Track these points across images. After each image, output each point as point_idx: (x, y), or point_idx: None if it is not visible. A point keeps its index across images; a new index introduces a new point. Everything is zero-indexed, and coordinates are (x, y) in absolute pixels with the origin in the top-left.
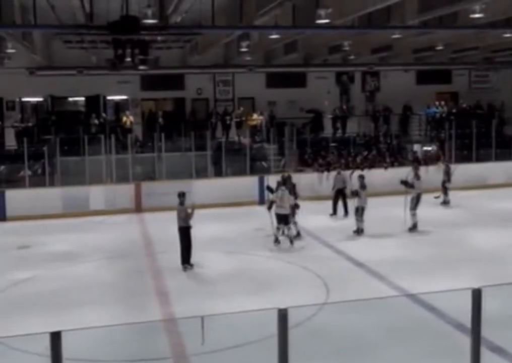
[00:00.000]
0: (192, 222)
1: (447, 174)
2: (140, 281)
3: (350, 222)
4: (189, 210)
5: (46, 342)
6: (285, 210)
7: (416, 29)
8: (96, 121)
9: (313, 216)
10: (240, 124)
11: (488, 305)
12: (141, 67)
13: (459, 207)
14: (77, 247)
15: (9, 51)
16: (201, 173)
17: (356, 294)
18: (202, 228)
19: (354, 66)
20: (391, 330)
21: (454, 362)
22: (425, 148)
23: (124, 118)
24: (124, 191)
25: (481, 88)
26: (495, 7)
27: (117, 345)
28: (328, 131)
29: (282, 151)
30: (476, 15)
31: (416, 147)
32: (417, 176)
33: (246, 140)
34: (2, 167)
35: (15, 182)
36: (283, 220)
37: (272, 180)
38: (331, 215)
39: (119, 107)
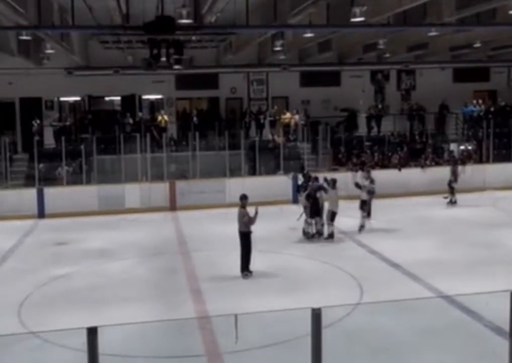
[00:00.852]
0: (226, 221)
1: (454, 173)
2: (174, 278)
3: (383, 222)
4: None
5: (83, 337)
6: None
7: (452, 26)
8: (131, 120)
9: (347, 215)
10: (273, 123)
11: None
12: (176, 66)
13: (496, 208)
14: (113, 244)
15: (48, 51)
16: (235, 172)
17: (390, 295)
18: (235, 227)
19: (389, 65)
20: (426, 332)
21: None
22: (462, 147)
23: (159, 117)
24: (159, 190)
25: None
26: None
27: (151, 341)
28: (362, 130)
29: (316, 150)
30: None
31: (452, 146)
32: (370, 179)
33: (279, 139)
34: (41, 165)
35: (53, 180)
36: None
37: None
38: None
39: (154, 106)
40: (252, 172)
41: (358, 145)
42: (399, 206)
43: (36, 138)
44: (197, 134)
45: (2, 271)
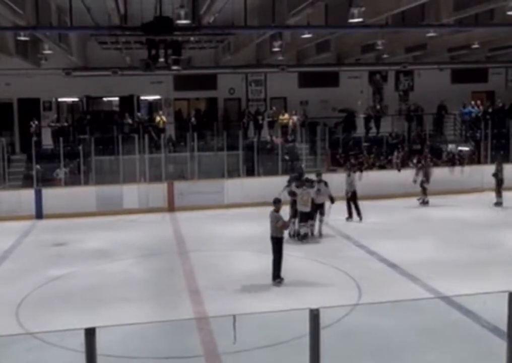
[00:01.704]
0: (225, 221)
1: (426, 174)
2: (172, 279)
3: (382, 222)
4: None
5: (81, 338)
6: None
7: (451, 27)
8: (130, 121)
9: (345, 216)
10: (272, 123)
11: None
12: (174, 67)
13: (494, 209)
14: (111, 245)
15: (46, 52)
16: (233, 173)
17: (388, 295)
18: (234, 228)
19: (387, 65)
20: (425, 333)
21: None
22: (460, 148)
23: (157, 118)
24: (157, 190)
25: None
26: None
27: (149, 342)
28: (360, 130)
29: (314, 151)
30: None
31: (450, 147)
32: (324, 182)
33: (278, 140)
34: (39, 166)
35: (51, 180)
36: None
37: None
38: (347, 218)
39: (152, 107)
40: (251, 172)
41: (356, 146)
42: (398, 207)
43: (34, 139)
44: (195, 134)
45: (0, 272)
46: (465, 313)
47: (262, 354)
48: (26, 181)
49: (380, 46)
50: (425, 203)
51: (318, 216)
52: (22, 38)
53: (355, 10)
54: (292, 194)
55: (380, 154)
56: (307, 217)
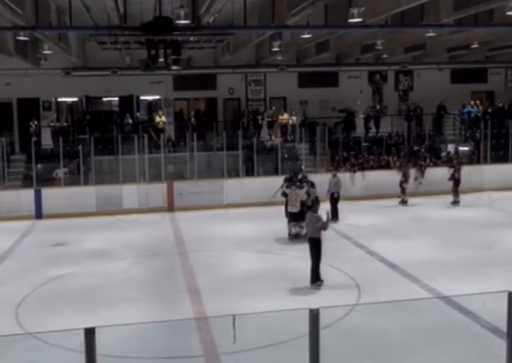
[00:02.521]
0: (224, 221)
1: (405, 174)
2: (172, 279)
3: (381, 222)
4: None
5: (81, 337)
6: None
7: (450, 27)
8: (130, 121)
9: (345, 216)
10: (271, 123)
11: None
12: (174, 67)
13: (493, 209)
14: (111, 245)
15: (46, 52)
16: (232, 173)
17: (388, 295)
18: (233, 227)
19: (386, 65)
20: (424, 333)
21: None
22: (460, 148)
23: (157, 118)
24: (157, 190)
25: None
26: None
27: (149, 342)
28: (360, 130)
29: (314, 151)
30: None
31: (450, 147)
32: (310, 183)
33: (277, 140)
34: (39, 165)
35: (51, 180)
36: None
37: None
38: (333, 220)
39: (152, 107)
40: (250, 172)
41: (355, 146)
42: (397, 207)
43: (34, 139)
44: (195, 134)
45: (0, 272)
46: (465, 313)
47: (262, 354)
48: (26, 181)
49: (379, 46)
50: (403, 202)
51: None
52: (22, 38)
53: (355, 10)
54: (284, 195)
55: (380, 154)
56: (296, 217)
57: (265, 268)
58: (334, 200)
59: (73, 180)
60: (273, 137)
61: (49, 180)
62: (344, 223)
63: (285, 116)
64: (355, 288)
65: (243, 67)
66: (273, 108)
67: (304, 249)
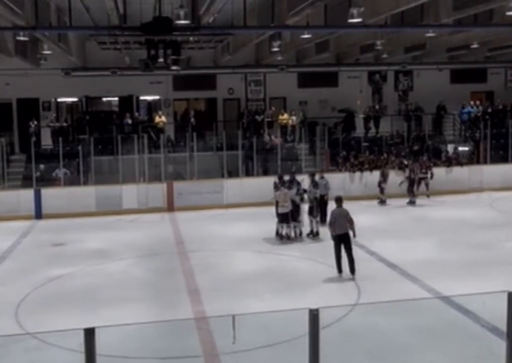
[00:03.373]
0: (224, 221)
1: (383, 175)
2: (172, 279)
3: (381, 222)
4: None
5: (80, 338)
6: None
7: (450, 27)
8: (129, 121)
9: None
10: (271, 124)
11: None
12: (174, 67)
13: (493, 209)
14: (110, 245)
15: (46, 52)
16: (232, 173)
17: (388, 295)
18: (233, 228)
19: (386, 65)
20: (424, 333)
21: None
22: (460, 148)
23: (157, 118)
24: (156, 190)
25: None
26: None
27: (149, 342)
28: (360, 130)
29: (313, 151)
30: None
31: (450, 147)
32: (314, 183)
33: (277, 140)
34: (39, 166)
35: (51, 180)
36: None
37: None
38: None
39: (152, 107)
40: (250, 173)
41: (355, 146)
42: (397, 207)
43: (33, 139)
44: (194, 134)
45: (0, 272)
46: (464, 313)
47: (262, 354)
48: (26, 181)
49: (379, 46)
50: (382, 202)
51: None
52: (22, 38)
53: (354, 10)
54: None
55: (380, 154)
56: (285, 218)
57: (265, 269)
58: (323, 203)
59: (73, 180)
60: (273, 137)
61: (48, 180)
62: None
63: (285, 116)
64: (355, 288)
65: (242, 67)
66: (273, 108)
67: (303, 249)
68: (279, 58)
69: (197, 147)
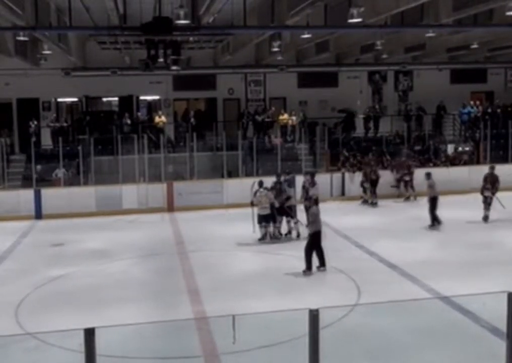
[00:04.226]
0: (224, 222)
1: (365, 175)
2: (172, 279)
3: (381, 222)
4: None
5: (80, 338)
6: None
7: (450, 27)
8: (128, 121)
9: (344, 216)
10: (271, 124)
11: None
12: (174, 67)
13: (493, 209)
14: (110, 245)
15: (46, 52)
16: (232, 173)
17: (388, 295)
18: (233, 228)
19: (386, 65)
20: (424, 333)
21: None
22: (460, 148)
23: (157, 118)
24: (157, 191)
25: None
26: None
27: (149, 342)
28: (360, 131)
29: (313, 151)
30: None
31: (449, 147)
32: (312, 183)
33: (277, 140)
34: (38, 166)
35: (50, 181)
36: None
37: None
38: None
39: (152, 107)
40: (250, 173)
41: (355, 146)
42: (397, 207)
43: (33, 139)
44: (194, 135)
45: (0, 272)
46: (464, 313)
47: (262, 354)
48: (26, 181)
49: (379, 46)
50: (365, 202)
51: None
52: (22, 38)
53: (354, 11)
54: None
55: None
56: (263, 219)
57: (265, 269)
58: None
59: (72, 180)
60: (273, 138)
61: (48, 181)
62: (343, 223)
63: (285, 116)
64: (354, 288)
65: (242, 67)
66: (273, 108)
67: (302, 249)
68: (279, 58)
69: (197, 148)
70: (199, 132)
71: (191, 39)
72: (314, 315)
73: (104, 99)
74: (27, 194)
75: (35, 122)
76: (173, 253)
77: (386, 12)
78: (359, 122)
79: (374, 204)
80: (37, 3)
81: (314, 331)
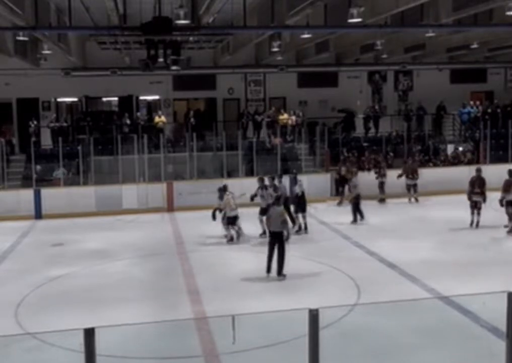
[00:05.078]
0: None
1: (350, 173)
2: (171, 279)
3: (381, 222)
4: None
5: (80, 338)
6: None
7: (450, 27)
8: (128, 121)
9: (344, 216)
10: (271, 124)
11: None
12: (174, 67)
13: (492, 209)
14: (110, 245)
15: (45, 52)
16: (232, 173)
17: (388, 295)
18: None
19: (386, 65)
20: (424, 333)
21: None
22: (460, 148)
23: (156, 118)
24: (156, 190)
25: None
26: None
27: (148, 342)
28: (360, 130)
29: (313, 151)
30: None
31: (449, 147)
32: (274, 186)
33: (277, 140)
34: (38, 166)
35: (50, 181)
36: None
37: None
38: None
39: (151, 107)
40: (250, 173)
41: (355, 146)
42: (397, 207)
43: (33, 139)
44: (194, 135)
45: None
46: (464, 313)
47: (261, 354)
48: (26, 181)
49: (379, 46)
50: (381, 200)
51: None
52: (22, 38)
53: (354, 10)
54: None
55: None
56: (234, 221)
57: (265, 269)
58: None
59: (72, 180)
60: (272, 138)
61: (48, 180)
62: (343, 223)
63: (285, 116)
64: (355, 288)
65: (242, 67)
66: (273, 108)
67: (302, 249)
68: (279, 58)
69: (197, 148)
70: (199, 132)
71: (191, 38)
72: (313, 315)
73: (104, 99)
74: (27, 194)
75: (35, 122)
76: (172, 253)
77: (386, 12)
78: (359, 122)
79: (339, 203)
80: (36, 3)
81: (314, 331)
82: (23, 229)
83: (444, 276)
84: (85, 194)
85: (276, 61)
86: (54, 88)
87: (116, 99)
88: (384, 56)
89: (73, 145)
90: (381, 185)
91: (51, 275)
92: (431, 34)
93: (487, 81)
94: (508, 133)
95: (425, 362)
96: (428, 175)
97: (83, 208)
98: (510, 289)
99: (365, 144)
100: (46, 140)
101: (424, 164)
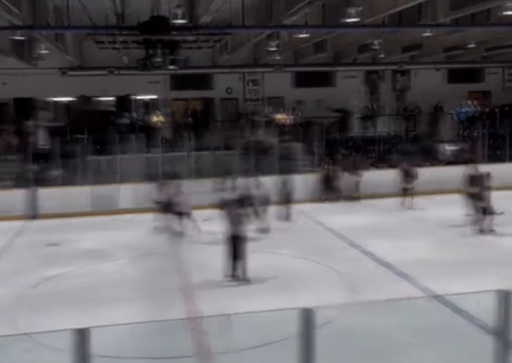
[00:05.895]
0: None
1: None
2: (167, 279)
3: (377, 221)
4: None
5: (74, 338)
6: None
7: (447, 27)
8: (126, 121)
9: (339, 216)
10: (268, 123)
11: None
12: (171, 67)
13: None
14: (106, 245)
15: (43, 52)
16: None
17: (382, 294)
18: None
19: (383, 65)
20: (418, 332)
21: None
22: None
23: (154, 118)
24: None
25: None
26: None
27: (142, 342)
28: (356, 130)
29: (311, 150)
30: (509, 13)
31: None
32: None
33: (274, 140)
34: (35, 166)
35: (46, 180)
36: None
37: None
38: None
39: (149, 107)
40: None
41: (352, 145)
42: (393, 207)
43: (30, 138)
44: (191, 134)
45: None
46: (459, 312)
47: (255, 353)
48: (21, 181)
49: (376, 45)
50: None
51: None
52: (19, 38)
53: (352, 10)
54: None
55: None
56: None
57: (258, 268)
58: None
59: (69, 180)
60: (270, 137)
61: (44, 180)
62: (338, 223)
63: (282, 115)
64: (349, 287)
65: (240, 67)
66: (271, 108)
67: (297, 248)
68: (277, 57)
69: (194, 147)
70: (196, 131)
71: (189, 38)
72: (308, 315)
73: (101, 99)
74: (23, 194)
75: (32, 122)
76: (168, 253)
77: (384, 12)
78: (355, 121)
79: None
80: (34, 3)
81: (308, 330)
82: (18, 229)
83: (438, 275)
84: (81, 194)
85: (274, 60)
86: (51, 87)
87: (113, 98)
88: (382, 55)
89: (70, 145)
90: (357, 184)
91: (46, 275)
92: (428, 34)
93: (484, 81)
94: (505, 133)
95: (420, 361)
96: (423, 174)
97: (79, 208)
98: (503, 287)
99: (362, 143)
100: (43, 140)
101: (421, 164)
